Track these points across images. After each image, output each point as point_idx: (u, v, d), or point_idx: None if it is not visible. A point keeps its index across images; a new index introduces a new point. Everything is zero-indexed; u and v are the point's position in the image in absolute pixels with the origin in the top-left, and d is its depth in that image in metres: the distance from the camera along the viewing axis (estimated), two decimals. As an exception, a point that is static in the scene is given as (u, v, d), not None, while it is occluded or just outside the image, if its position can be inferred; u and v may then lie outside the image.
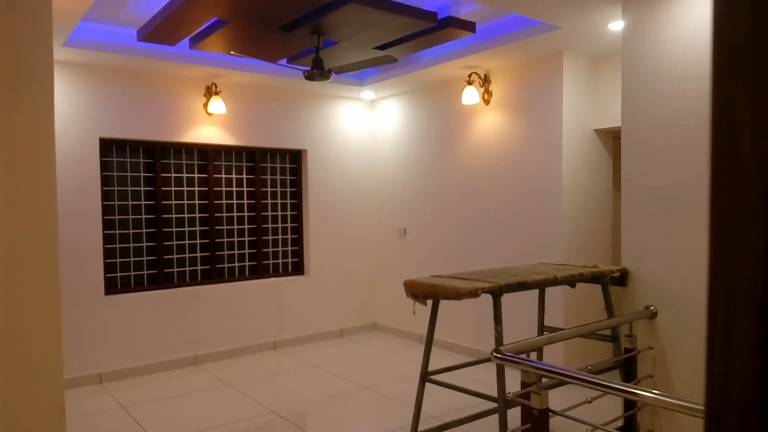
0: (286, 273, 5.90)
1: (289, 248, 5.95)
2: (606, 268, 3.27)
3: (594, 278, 3.19)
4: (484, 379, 4.38)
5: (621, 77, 3.36)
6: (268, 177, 5.81)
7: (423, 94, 5.72)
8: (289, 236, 5.94)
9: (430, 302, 3.05)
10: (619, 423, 3.08)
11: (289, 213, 5.95)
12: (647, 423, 3.15)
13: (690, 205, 3.02)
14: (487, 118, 5.07)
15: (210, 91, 5.18)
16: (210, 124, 5.28)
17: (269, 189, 5.82)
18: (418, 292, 2.95)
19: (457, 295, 2.74)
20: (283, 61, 4.52)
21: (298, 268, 6.00)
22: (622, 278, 3.29)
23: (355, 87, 5.71)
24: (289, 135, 5.77)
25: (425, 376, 3.12)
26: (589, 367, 2.90)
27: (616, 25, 3.83)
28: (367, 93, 5.96)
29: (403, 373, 4.83)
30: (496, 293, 2.77)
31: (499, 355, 2.38)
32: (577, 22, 3.79)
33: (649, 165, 3.21)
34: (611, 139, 4.84)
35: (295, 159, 5.97)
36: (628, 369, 3.13)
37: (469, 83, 4.93)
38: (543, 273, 3.09)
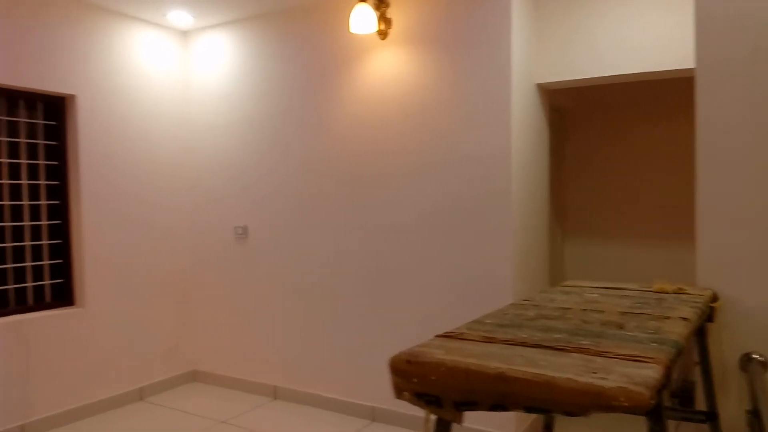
0: (40, 306, 3.47)
1: (46, 262, 3.52)
2: (703, 292, 1.90)
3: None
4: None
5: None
6: (1, 140, 3.32)
7: (273, 22, 3.79)
8: (45, 242, 3.51)
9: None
10: None
11: (44, 202, 3.51)
12: None
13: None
14: (383, 61, 3.40)
15: None
16: None
17: (4, 161, 3.33)
18: (448, 390, 1.19)
19: (593, 404, 1.06)
20: None
21: (62, 296, 3.60)
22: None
23: (159, 3, 3.53)
24: (43, 68, 3.36)
25: None
26: None
27: None
28: (180, 16, 3.80)
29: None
30: (660, 390, 1.15)
31: None
32: None
33: (747, 129, 1.92)
34: (548, 100, 3.57)
35: (54, 111, 3.55)
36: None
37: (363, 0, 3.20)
38: (670, 317, 1.56)
